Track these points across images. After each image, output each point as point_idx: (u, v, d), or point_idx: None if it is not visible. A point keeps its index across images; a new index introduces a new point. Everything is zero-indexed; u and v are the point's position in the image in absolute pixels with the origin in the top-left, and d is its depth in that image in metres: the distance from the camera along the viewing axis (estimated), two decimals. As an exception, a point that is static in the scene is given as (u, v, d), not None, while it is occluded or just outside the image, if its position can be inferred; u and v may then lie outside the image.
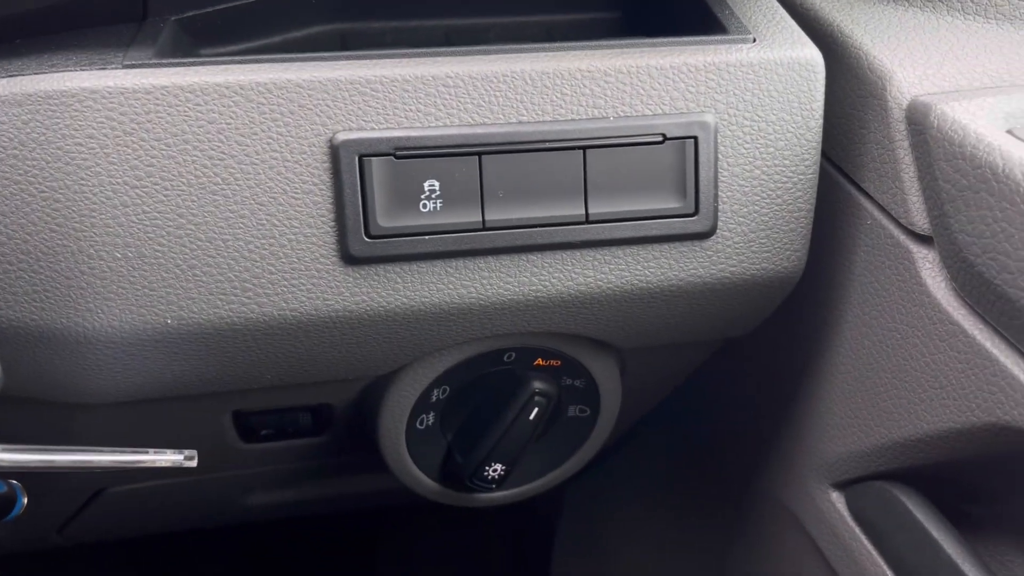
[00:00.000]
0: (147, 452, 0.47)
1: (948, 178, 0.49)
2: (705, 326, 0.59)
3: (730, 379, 0.72)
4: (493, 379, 0.62)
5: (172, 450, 0.49)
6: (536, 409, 0.61)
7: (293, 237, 0.50)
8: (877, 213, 0.55)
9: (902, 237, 0.53)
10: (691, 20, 0.58)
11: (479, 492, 0.64)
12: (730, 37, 0.54)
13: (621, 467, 0.91)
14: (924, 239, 0.52)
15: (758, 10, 0.58)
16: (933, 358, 0.50)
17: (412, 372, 0.59)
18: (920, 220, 0.51)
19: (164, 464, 0.48)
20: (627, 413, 0.70)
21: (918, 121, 0.51)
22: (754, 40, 0.54)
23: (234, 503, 0.86)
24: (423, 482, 0.65)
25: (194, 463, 0.49)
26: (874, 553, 0.55)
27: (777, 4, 0.59)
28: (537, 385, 0.61)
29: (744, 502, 0.71)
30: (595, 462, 0.71)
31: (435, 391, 0.61)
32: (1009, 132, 0.48)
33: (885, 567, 0.54)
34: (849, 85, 0.57)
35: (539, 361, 0.62)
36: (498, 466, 0.63)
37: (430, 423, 0.63)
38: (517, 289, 0.53)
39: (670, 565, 0.84)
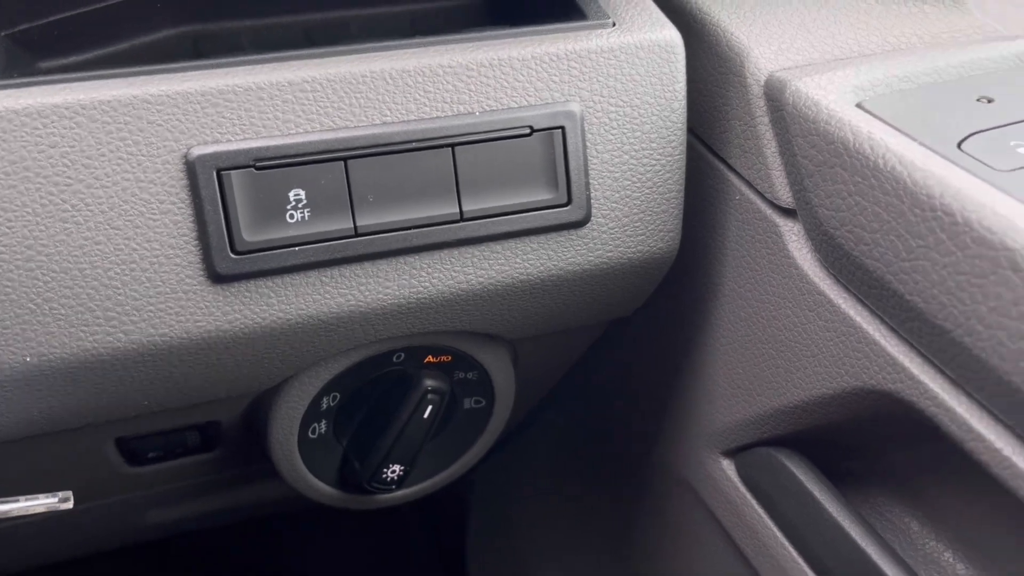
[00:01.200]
0: (17, 500, 0.45)
1: (805, 154, 0.50)
2: (589, 310, 0.60)
3: (622, 356, 0.73)
4: (384, 381, 0.61)
5: (45, 494, 0.47)
6: (430, 407, 0.61)
7: (155, 260, 0.48)
8: (744, 188, 0.56)
9: (768, 211, 0.54)
10: (552, 4, 0.58)
11: (379, 494, 0.64)
12: (590, 23, 0.54)
13: (527, 448, 0.92)
14: (789, 212, 0.53)
15: (617, -7, 0.58)
16: (804, 328, 0.52)
17: (298, 383, 0.58)
18: (784, 194, 0.53)
19: (38, 510, 0.46)
20: (524, 399, 0.70)
21: (775, 97, 0.52)
22: (613, 24, 0.54)
23: (134, 523, 0.83)
24: (321, 490, 0.64)
25: (70, 504, 0.47)
26: (764, 517, 0.57)
27: (635, -15, 0.59)
28: (429, 383, 0.60)
29: (643, 475, 0.72)
30: (502, 445, 0.71)
31: (324, 399, 0.60)
32: (859, 106, 0.50)
33: (775, 529, 0.57)
34: (710, 63, 0.58)
35: (429, 358, 0.62)
36: (396, 467, 0.62)
37: (322, 431, 0.62)
38: (397, 293, 0.52)
39: (580, 541, 0.85)
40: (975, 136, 0.46)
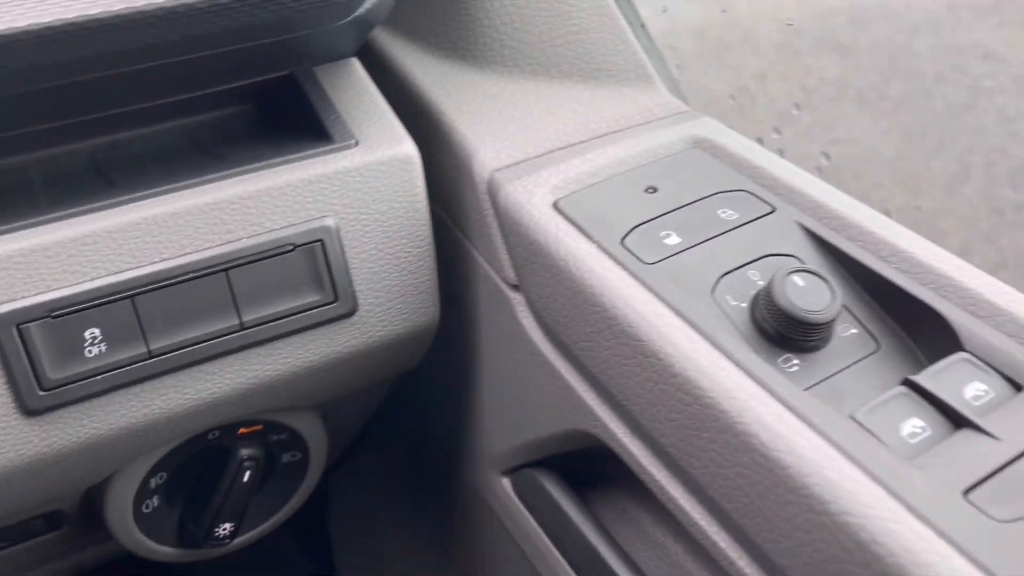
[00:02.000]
0: None
1: (515, 246, 0.62)
2: (373, 376, 0.71)
3: (419, 395, 0.84)
4: (204, 456, 0.71)
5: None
6: (248, 472, 0.71)
7: (-28, 405, 0.55)
8: (485, 265, 0.68)
9: (503, 286, 0.66)
10: (306, 122, 0.67)
11: (215, 549, 0.74)
12: (335, 145, 0.64)
13: (365, 470, 1.03)
14: (517, 287, 0.65)
15: (362, 109, 0.67)
16: (534, 381, 0.64)
17: (124, 474, 0.67)
18: (510, 274, 0.65)
19: None
20: (340, 440, 0.81)
21: (493, 197, 0.64)
22: (357, 144, 0.64)
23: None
24: (162, 552, 0.74)
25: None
26: (538, 529, 0.70)
27: (380, 100, 0.68)
28: (244, 452, 0.70)
29: (454, 492, 0.85)
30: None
31: (152, 479, 0.69)
32: (555, 205, 0.62)
33: (546, 539, 0.69)
34: (449, 159, 0.69)
35: (243, 430, 0.71)
36: (227, 525, 0.72)
37: (155, 505, 0.71)
38: (195, 397, 0.62)
39: (411, 546, 0.98)
40: (636, 229, 0.59)
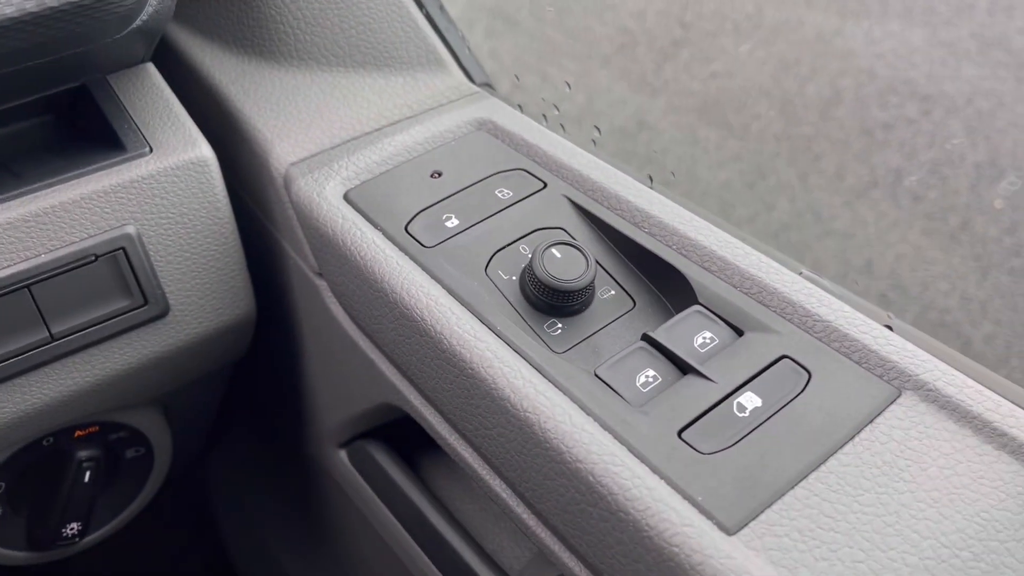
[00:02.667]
0: None
1: (311, 238, 0.66)
2: (200, 368, 0.74)
3: (263, 375, 0.88)
4: (42, 462, 0.73)
5: None
6: (88, 472, 0.74)
7: None
8: (293, 254, 0.71)
9: (310, 274, 0.70)
10: (101, 132, 0.69)
11: (66, 549, 0.77)
12: (129, 154, 0.66)
13: (240, 450, 1.07)
14: (321, 274, 0.69)
15: (157, 115, 0.69)
16: (347, 360, 0.69)
17: (-41, 488, 0.69)
18: (314, 263, 0.69)
19: None
20: (195, 429, 0.84)
21: (289, 189, 0.67)
22: (151, 151, 0.67)
23: None
24: (15, 557, 0.76)
25: None
26: (373, 495, 0.75)
27: (175, 104, 0.70)
28: (82, 454, 0.73)
29: (304, 465, 0.89)
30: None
31: (-8, 490, 0.72)
32: (346, 197, 0.65)
33: (382, 505, 0.75)
34: (250, 156, 0.72)
35: (79, 433, 0.74)
36: (74, 525, 0.75)
37: (0, 514, 0.73)
38: (15, 409, 0.64)
39: (284, 521, 1.02)
40: (420, 215, 0.63)
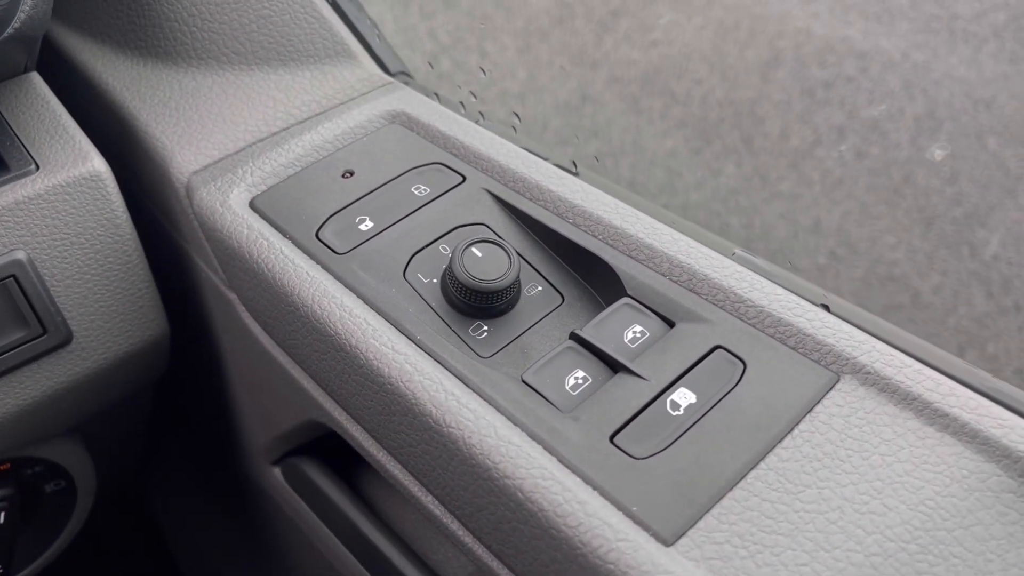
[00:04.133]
0: None
1: (217, 249, 0.62)
2: (115, 394, 0.70)
3: (189, 393, 0.84)
4: (-49, 506, 0.68)
5: None
6: (3, 513, 0.69)
7: None
8: (203, 266, 0.67)
9: (222, 287, 0.66)
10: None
11: (-11, 593, 0.72)
12: (13, 173, 0.61)
13: (171, 471, 1.02)
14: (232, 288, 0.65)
15: (43, 128, 0.64)
16: (268, 377, 0.65)
17: None
18: (223, 275, 0.64)
19: None
20: (122, 456, 0.80)
21: (192, 200, 0.63)
22: (38, 168, 0.62)
23: None
24: (-67, 607, 0.72)
25: None
26: (309, 511, 0.72)
27: (63, 115, 0.65)
28: (-6, 495, 0.68)
29: (241, 483, 0.85)
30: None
31: None
32: (251, 204, 0.61)
33: (316, 517, 0.71)
34: (150, 165, 0.67)
35: (-11, 472, 0.69)
36: (-6, 568, 0.71)
37: (-91, 565, 0.69)
38: (-93, 457, 0.59)
39: (223, 531, 0.98)
40: (331, 219, 0.60)
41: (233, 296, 0.65)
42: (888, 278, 1.86)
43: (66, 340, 0.63)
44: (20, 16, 0.60)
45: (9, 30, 0.59)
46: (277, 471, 0.75)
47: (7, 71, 0.66)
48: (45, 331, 0.62)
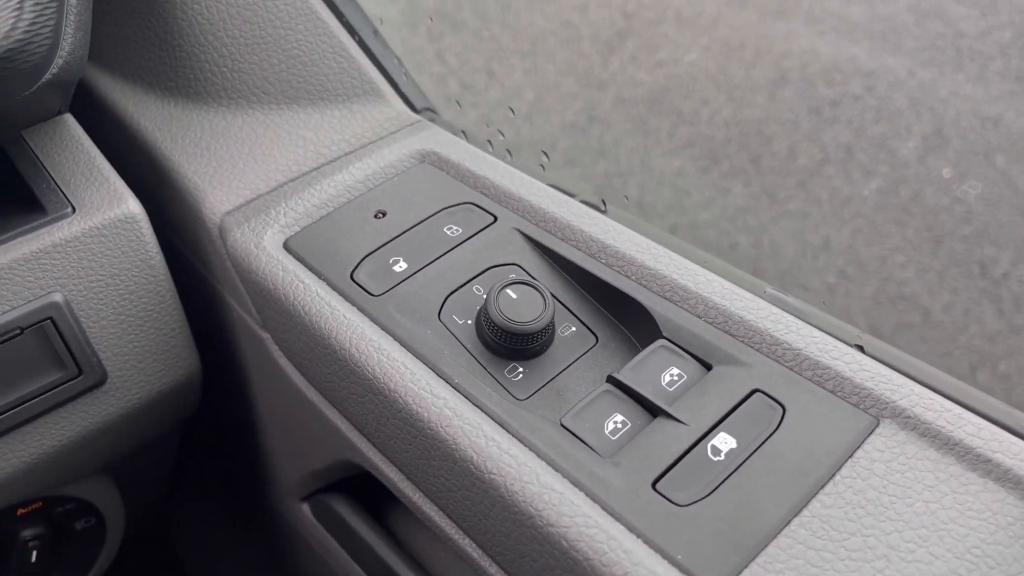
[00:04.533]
0: None
1: (251, 290, 0.62)
2: (146, 433, 0.70)
3: (220, 430, 0.84)
4: (-16, 545, 0.69)
5: None
6: (35, 552, 0.69)
7: None
8: (236, 306, 0.68)
9: (254, 327, 0.66)
10: (19, 193, 0.65)
11: (20, 632, 0.72)
12: (50, 217, 0.62)
13: (199, 507, 1.03)
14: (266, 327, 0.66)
15: (78, 171, 0.65)
16: (300, 416, 0.65)
17: None
18: (257, 315, 0.65)
19: None
20: (148, 493, 0.80)
21: (225, 241, 0.64)
22: (74, 210, 0.62)
23: None
24: (-36, 647, 0.72)
25: None
26: (339, 548, 0.72)
27: (97, 157, 0.66)
28: (26, 534, 0.69)
29: (269, 520, 0.86)
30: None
31: (-69, 581, 0.67)
32: (286, 245, 0.62)
33: (346, 555, 0.72)
34: (182, 205, 0.68)
35: (21, 511, 0.70)
36: (29, 606, 0.71)
37: (-58, 605, 0.69)
38: (-56, 500, 0.60)
39: (249, 568, 0.98)
40: (365, 260, 0.60)
41: (266, 335, 0.65)
42: (898, 297, 1.86)
43: (101, 380, 0.63)
44: (58, 62, 0.60)
45: (47, 76, 0.60)
46: (306, 507, 0.75)
47: (42, 114, 0.66)
48: (81, 372, 0.62)
